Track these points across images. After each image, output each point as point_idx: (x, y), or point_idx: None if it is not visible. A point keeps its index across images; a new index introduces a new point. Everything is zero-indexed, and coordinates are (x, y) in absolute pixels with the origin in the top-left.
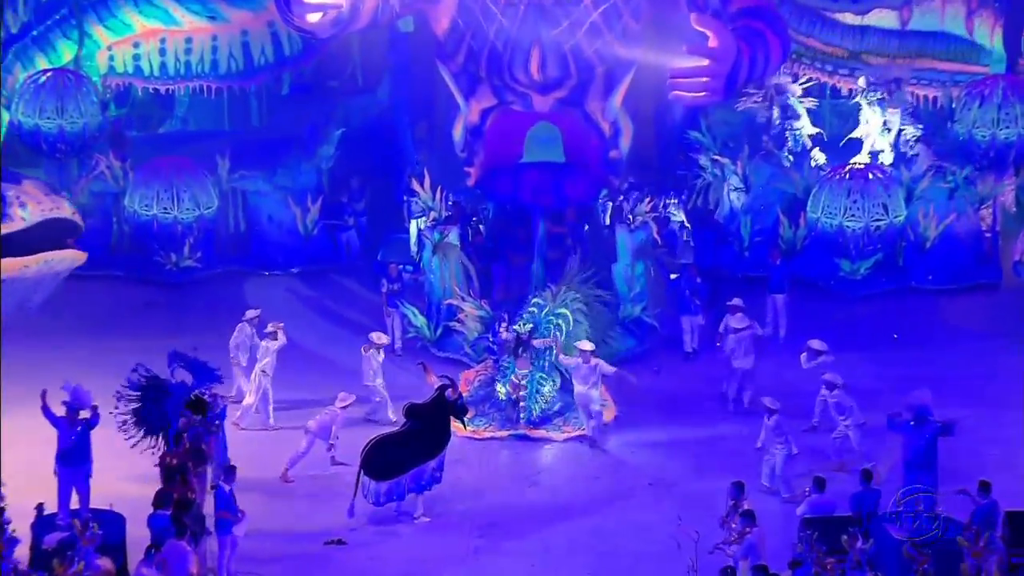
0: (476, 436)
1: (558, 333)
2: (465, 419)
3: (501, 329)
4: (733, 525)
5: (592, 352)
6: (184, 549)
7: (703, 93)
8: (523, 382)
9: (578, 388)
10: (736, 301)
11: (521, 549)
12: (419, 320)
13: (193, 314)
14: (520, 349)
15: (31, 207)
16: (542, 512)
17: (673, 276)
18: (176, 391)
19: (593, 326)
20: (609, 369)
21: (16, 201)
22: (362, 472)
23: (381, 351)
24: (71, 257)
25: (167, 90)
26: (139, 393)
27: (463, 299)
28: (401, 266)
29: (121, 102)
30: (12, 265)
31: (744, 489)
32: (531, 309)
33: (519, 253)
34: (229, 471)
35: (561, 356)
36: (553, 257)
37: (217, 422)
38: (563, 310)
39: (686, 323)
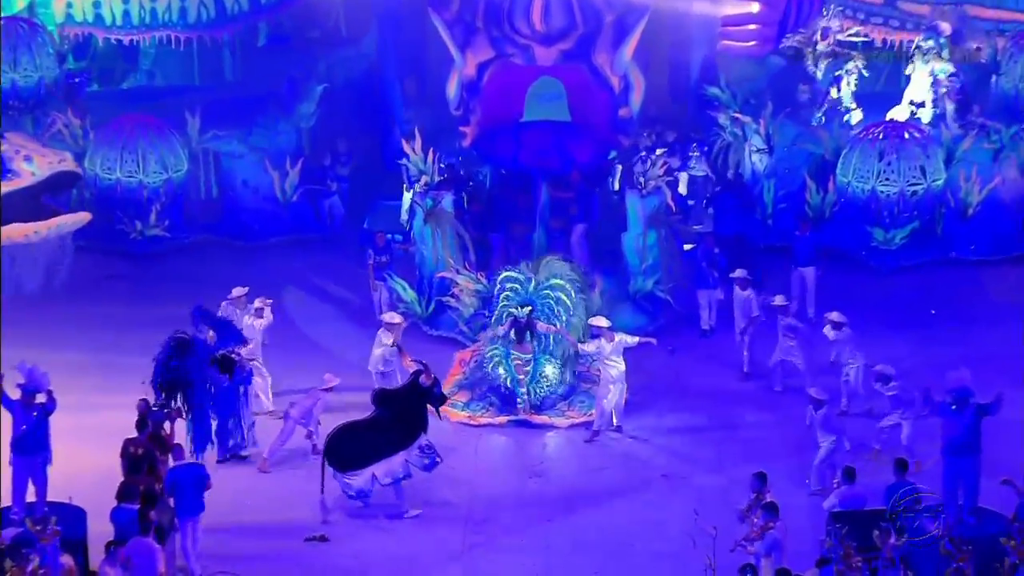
0: (472, 422)
1: (560, 310)
2: (440, 409)
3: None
4: (755, 519)
5: (610, 328)
6: (151, 546)
7: (753, 42)
8: (527, 368)
9: (614, 372)
10: (739, 272)
11: (521, 546)
12: (409, 295)
13: (160, 288)
14: (525, 334)
15: (37, 160)
16: (544, 506)
17: (688, 246)
18: (200, 348)
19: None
20: (632, 340)
21: (18, 155)
22: (325, 462)
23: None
24: (79, 220)
25: (131, 41)
26: (172, 363)
27: (458, 272)
28: (389, 236)
29: (80, 54)
30: (18, 232)
31: (766, 480)
32: (512, 285)
33: (519, 221)
34: None
35: (581, 346)
36: (556, 226)
37: (242, 387)
38: (558, 281)
39: (703, 298)
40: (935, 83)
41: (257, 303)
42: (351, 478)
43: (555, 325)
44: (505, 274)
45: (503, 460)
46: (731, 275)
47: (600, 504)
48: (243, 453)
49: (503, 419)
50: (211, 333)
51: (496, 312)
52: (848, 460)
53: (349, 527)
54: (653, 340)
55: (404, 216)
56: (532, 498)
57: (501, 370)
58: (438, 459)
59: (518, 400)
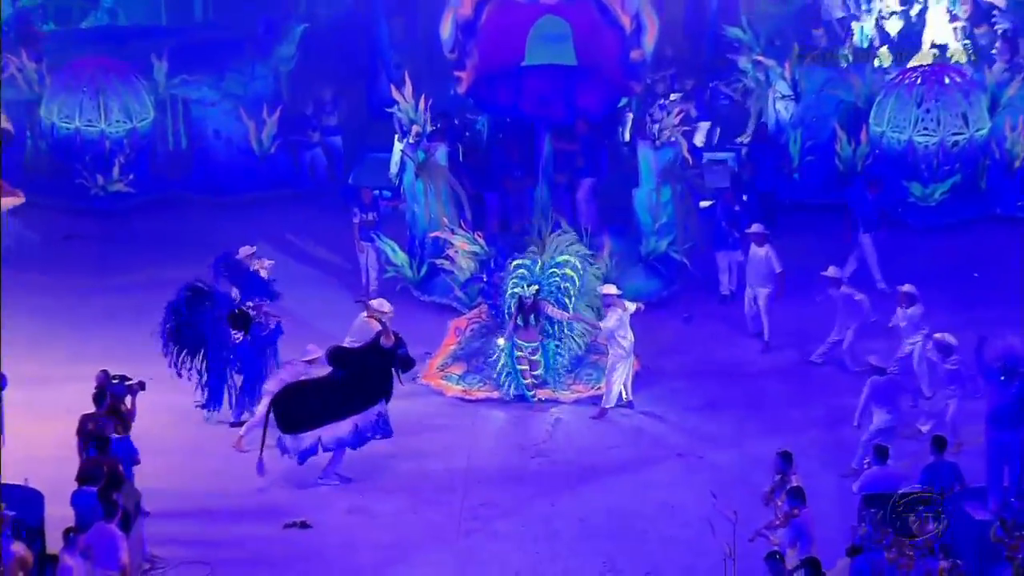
0: (468, 396)
1: (568, 286)
2: (403, 374)
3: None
4: (779, 504)
5: (620, 296)
6: (114, 533)
7: None
8: (536, 357)
9: (625, 344)
10: (755, 227)
11: (521, 532)
12: (399, 257)
13: (123, 249)
14: (530, 317)
15: None
16: (547, 488)
17: (706, 203)
18: (220, 300)
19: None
20: (632, 306)
21: None
22: (269, 421)
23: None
24: (9, 203)
25: None
26: (182, 309)
27: (452, 231)
28: (377, 192)
29: None
30: None
31: (792, 461)
32: (521, 271)
33: (520, 176)
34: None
35: (602, 324)
36: (561, 181)
37: (270, 349)
38: (567, 257)
39: (722, 260)
40: (953, 19)
41: (255, 265)
42: (295, 440)
43: (566, 308)
44: (516, 262)
45: (502, 438)
46: (747, 230)
47: (609, 486)
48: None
49: (502, 393)
50: (234, 290)
51: (506, 302)
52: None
53: (335, 513)
54: (640, 305)
55: (393, 170)
56: (534, 480)
57: (502, 362)
58: (376, 436)
59: (528, 394)
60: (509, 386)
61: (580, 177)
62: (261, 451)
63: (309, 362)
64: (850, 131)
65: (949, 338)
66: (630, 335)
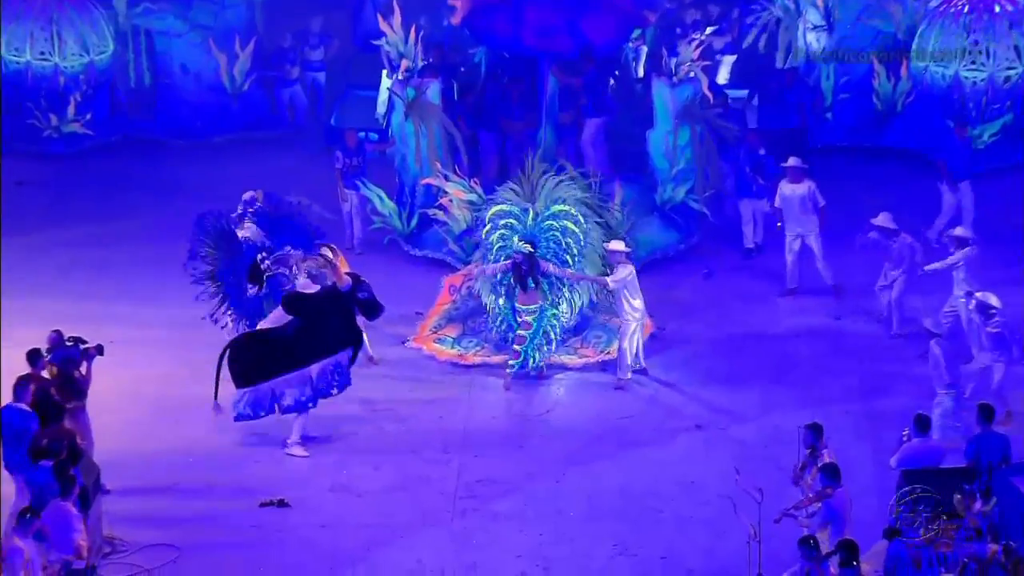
0: (463, 361)
1: (570, 242)
2: (374, 318)
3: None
4: (809, 482)
5: (629, 253)
6: (70, 512)
7: None
8: (528, 319)
9: (637, 304)
10: (793, 161)
11: (523, 513)
12: (387, 206)
13: (79, 197)
14: (528, 279)
15: None
16: (552, 464)
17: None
18: (244, 249)
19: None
20: (615, 275)
21: None
22: (221, 373)
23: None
24: None
25: None
26: (212, 242)
27: (446, 178)
28: (363, 134)
29: None
30: None
31: (823, 433)
32: (507, 220)
33: (521, 116)
34: None
35: (609, 280)
36: (567, 121)
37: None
38: (564, 207)
39: (746, 209)
40: None
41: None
42: (249, 393)
43: (567, 266)
44: (495, 209)
45: (502, 408)
46: (783, 164)
47: (620, 461)
48: None
49: (501, 358)
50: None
51: (491, 258)
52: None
53: (316, 490)
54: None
55: (380, 110)
56: (537, 454)
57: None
58: (334, 392)
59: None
60: (531, 359)
61: (588, 117)
62: (215, 395)
63: None
64: (889, 65)
65: (991, 298)
66: (640, 296)
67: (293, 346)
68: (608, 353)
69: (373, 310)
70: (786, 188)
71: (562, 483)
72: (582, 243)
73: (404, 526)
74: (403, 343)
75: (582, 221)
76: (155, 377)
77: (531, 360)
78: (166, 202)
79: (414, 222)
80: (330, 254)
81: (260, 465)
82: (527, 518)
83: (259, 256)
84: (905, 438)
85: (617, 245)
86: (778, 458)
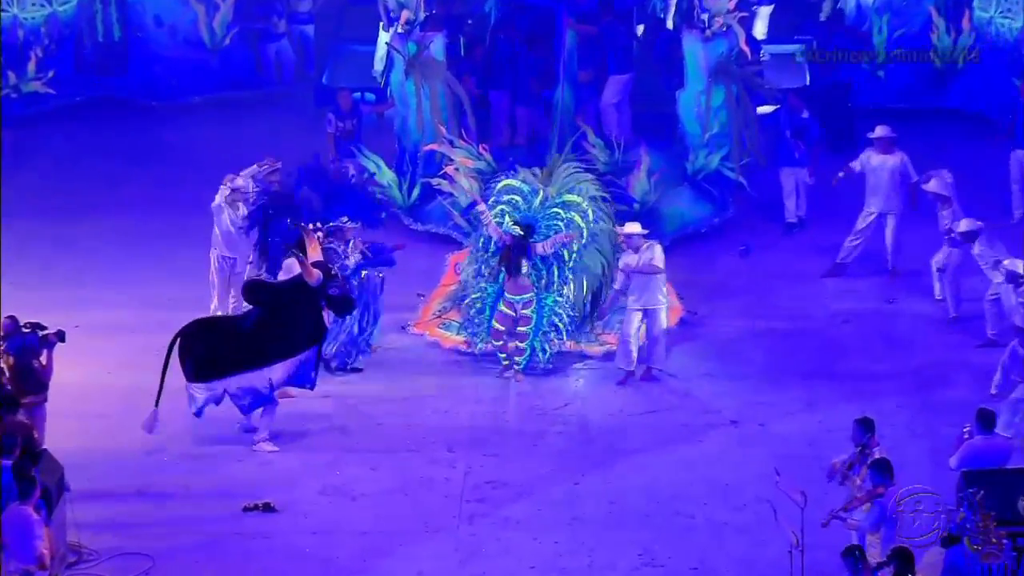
0: (470, 350)
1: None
2: (348, 317)
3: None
4: (858, 482)
5: (644, 236)
6: (29, 517)
7: None
8: (528, 311)
9: (640, 299)
10: (881, 131)
11: (537, 518)
12: (385, 175)
13: (42, 164)
14: (517, 263)
15: None
16: (570, 464)
17: (767, 108)
18: (285, 220)
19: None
20: (659, 264)
21: None
22: (167, 367)
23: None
24: None
25: None
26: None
27: (451, 143)
28: (358, 94)
29: None
30: None
31: (874, 429)
32: (511, 197)
33: (535, 74)
34: None
35: (622, 262)
36: (586, 79)
37: (377, 273)
38: (576, 198)
39: (787, 179)
40: None
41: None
42: (197, 390)
43: (562, 263)
44: (504, 183)
45: (514, 402)
46: (869, 134)
47: (646, 461)
48: (355, 364)
49: (513, 345)
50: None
51: (483, 234)
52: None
53: (304, 491)
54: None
55: (378, 67)
56: (553, 453)
57: (481, 317)
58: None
59: (509, 365)
60: (477, 339)
61: (610, 75)
62: (157, 401)
63: None
64: (949, 16)
65: (1019, 264)
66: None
67: (251, 341)
68: None
69: (344, 307)
70: (874, 159)
71: (581, 485)
72: (583, 240)
73: (405, 533)
74: (403, 329)
75: (590, 217)
76: (126, 366)
77: (540, 355)
78: (137, 171)
79: (416, 193)
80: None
81: (242, 464)
82: (542, 525)
83: (310, 226)
84: (966, 435)
85: (632, 227)
86: (823, 457)
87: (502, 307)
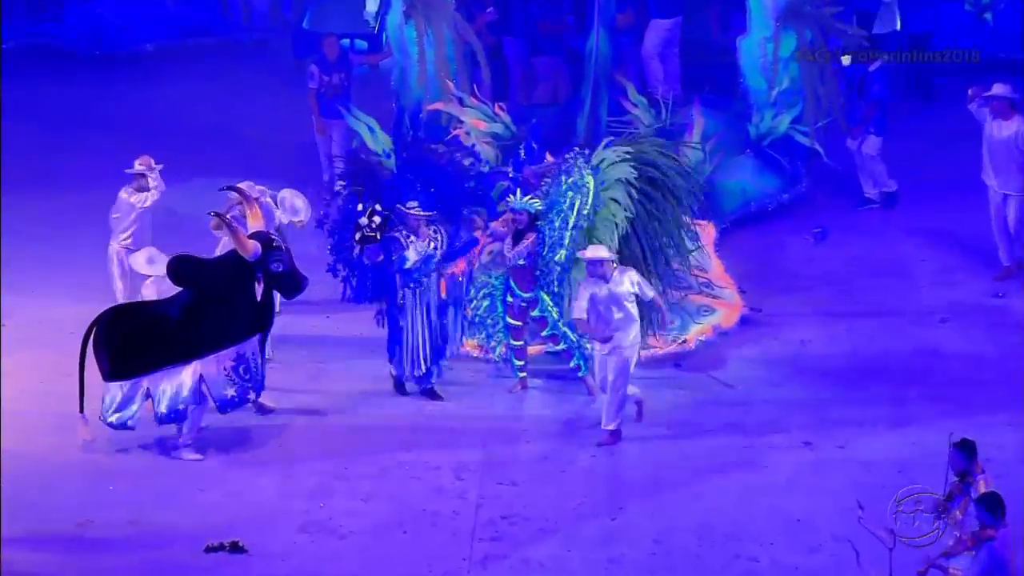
0: (484, 354)
1: (569, 215)
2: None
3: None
4: (959, 517)
5: (612, 262)
6: None
7: None
8: (533, 312)
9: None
10: (1000, 89)
11: (565, 561)
12: (380, 140)
13: None
14: (522, 243)
15: None
16: (605, 493)
17: (846, 60)
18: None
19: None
20: (648, 292)
21: None
22: (84, 364)
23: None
24: None
25: None
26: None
27: (460, 102)
28: (346, 41)
29: None
30: None
31: (976, 454)
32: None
33: (562, 17)
34: None
35: (585, 292)
36: (626, 24)
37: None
38: (612, 170)
39: (871, 146)
40: None
41: (139, 166)
42: (113, 389)
43: (561, 243)
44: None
45: (537, 418)
46: (987, 93)
47: (698, 491)
48: (433, 385)
49: (537, 348)
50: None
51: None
52: None
53: (280, 528)
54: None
55: (371, 8)
56: (586, 481)
57: (489, 319)
58: (250, 396)
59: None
60: (493, 341)
61: (654, 18)
62: (81, 402)
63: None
64: None
65: None
66: (630, 310)
67: (177, 330)
68: (682, 343)
69: (291, 286)
70: (993, 127)
71: (619, 521)
72: (570, 225)
73: (409, 574)
74: None
75: (589, 198)
76: (65, 370)
77: (582, 366)
78: (78, 135)
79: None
80: (237, 198)
81: (206, 494)
82: (570, 569)
83: (368, 208)
84: None
85: (597, 251)
86: (915, 487)
87: (509, 298)
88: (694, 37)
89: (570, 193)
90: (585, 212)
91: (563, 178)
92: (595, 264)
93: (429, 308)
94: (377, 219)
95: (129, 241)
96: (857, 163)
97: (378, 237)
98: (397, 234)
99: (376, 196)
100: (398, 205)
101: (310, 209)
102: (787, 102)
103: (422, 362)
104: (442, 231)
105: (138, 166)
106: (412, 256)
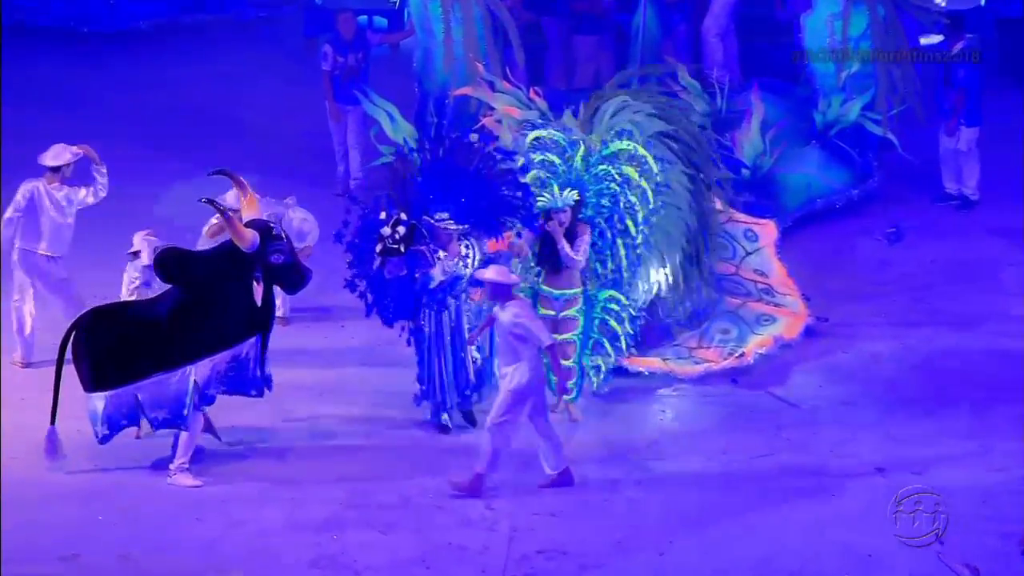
0: None
1: (635, 199)
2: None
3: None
4: None
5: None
6: None
7: None
8: (570, 312)
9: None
10: None
11: None
12: (401, 129)
13: None
14: (552, 256)
15: None
16: (653, 526)
17: (932, 40)
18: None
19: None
20: (537, 334)
21: None
22: (61, 372)
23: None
24: None
25: None
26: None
27: (491, 86)
28: (363, 18)
29: None
30: None
31: None
32: (545, 158)
33: None
34: None
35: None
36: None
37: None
38: (626, 145)
39: (950, 142)
40: None
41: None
42: (97, 401)
43: (629, 238)
44: (533, 135)
45: (574, 438)
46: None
47: (759, 522)
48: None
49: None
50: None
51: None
52: None
53: (289, 564)
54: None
55: None
56: (629, 511)
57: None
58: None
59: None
60: (591, 377)
61: None
62: (53, 415)
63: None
64: None
65: None
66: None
67: (169, 331)
68: (738, 356)
69: (293, 279)
70: None
71: (668, 556)
72: (651, 205)
73: None
74: None
75: (653, 168)
76: (38, 384)
77: (591, 375)
78: (59, 122)
79: (441, 154)
80: (235, 191)
81: (205, 525)
82: None
83: (393, 217)
84: None
85: (486, 273)
86: (1003, 520)
87: (541, 308)
88: (753, 14)
89: (604, 167)
90: (644, 184)
91: (575, 155)
92: (499, 289)
93: (455, 334)
94: (402, 229)
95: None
96: (943, 157)
97: (401, 250)
98: (424, 248)
99: (402, 203)
100: (425, 216)
101: (317, 230)
102: (857, 87)
103: (452, 393)
104: (475, 247)
105: (68, 156)
106: (438, 275)
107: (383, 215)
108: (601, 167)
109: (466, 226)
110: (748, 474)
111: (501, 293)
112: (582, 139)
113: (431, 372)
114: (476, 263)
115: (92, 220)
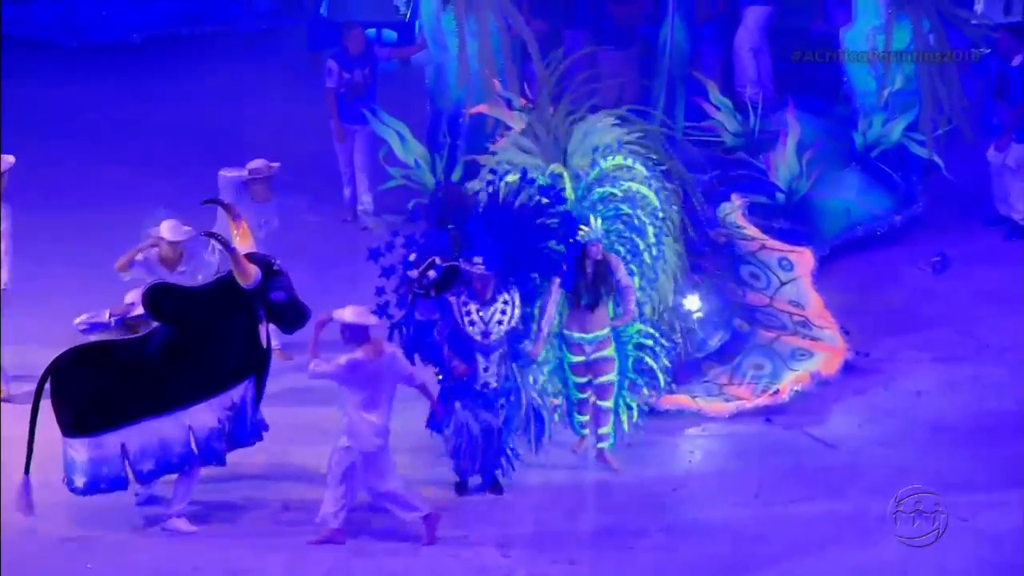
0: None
1: (646, 221)
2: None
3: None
4: None
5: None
6: None
7: None
8: (605, 353)
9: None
10: None
11: None
12: (412, 150)
13: None
14: (586, 291)
15: None
16: (676, 574)
17: (980, 52)
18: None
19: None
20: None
21: None
22: (36, 417)
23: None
24: None
25: None
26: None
27: (508, 104)
28: (373, 32)
29: None
30: None
31: None
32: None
33: (629, 3)
34: None
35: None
36: (703, 16)
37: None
38: (620, 161)
39: (994, 157)
40: None
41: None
42: (79, 448)
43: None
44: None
45: (595, 484)
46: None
47: (796, 570)
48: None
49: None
50: None
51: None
52: None
53: None
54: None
55: None
56: (655, 559)
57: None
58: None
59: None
60: (580, 427)
61: (743, 6)
62: (28, 464)
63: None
64: None
65: None
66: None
67: (159, 373)
68: (775, 393)
69: (292, 317)
70: None
71: None
72: (660, 219)
73: None
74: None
75: (651, 182)
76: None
77: (623, 414)
78: (46, 142)
79: (456, 175)
80: (232, 228)
81: (203, 574)
82: None
83: (429, 260)
84: None
85: (344, 314)
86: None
87: (570, 356)
88: (788, 27)
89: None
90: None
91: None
92: (353, 329)
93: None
94: (432, 274)
95: None
96: (995, 178)
97: (430, 294)
98: (453, 299)
99: (441, 247)
100: (461, 260)
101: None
102: (900, 105)
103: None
104: (514, 301)
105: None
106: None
107: (412, 256)
108: (598, 190)
109: (492, 274)
110: (783, 521)
111: (357, 336)
112: (561, 169)
113: (452, 434)
114: (514, 321)
115: (75, 237)
